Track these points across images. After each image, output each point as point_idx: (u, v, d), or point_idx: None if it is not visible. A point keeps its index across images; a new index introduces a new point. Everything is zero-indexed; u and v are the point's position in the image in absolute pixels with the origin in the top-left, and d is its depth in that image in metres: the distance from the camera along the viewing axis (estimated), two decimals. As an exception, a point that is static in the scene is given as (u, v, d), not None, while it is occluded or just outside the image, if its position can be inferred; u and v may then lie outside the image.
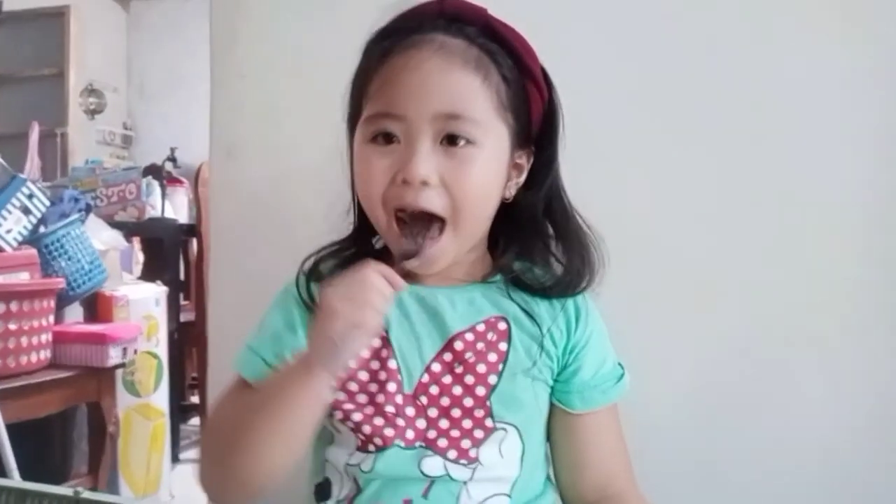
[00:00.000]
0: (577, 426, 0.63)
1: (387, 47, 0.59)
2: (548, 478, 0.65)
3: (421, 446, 0.58)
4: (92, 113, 4.33)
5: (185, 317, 2.52)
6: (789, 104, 0.81)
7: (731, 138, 0.82)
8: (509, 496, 0.59)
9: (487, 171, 0.59)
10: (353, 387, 0.60)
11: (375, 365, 0.60)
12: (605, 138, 0.84)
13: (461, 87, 0.57)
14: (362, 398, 0.60)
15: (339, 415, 0.60)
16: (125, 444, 1.94)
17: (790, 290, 0.82)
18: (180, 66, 4.27)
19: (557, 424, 0.63)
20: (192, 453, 2.50)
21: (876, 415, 0.80)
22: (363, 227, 0.66)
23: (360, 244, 0.66)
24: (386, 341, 0.60)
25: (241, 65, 0.97)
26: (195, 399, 2.70)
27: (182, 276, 2.70)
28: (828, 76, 0.81)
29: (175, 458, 2.31)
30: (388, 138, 0.58)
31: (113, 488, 1.89)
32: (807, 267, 0.81)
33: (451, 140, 0.57)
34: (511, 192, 0.63)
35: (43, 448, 1.88)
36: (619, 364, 0.65)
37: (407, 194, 0.57)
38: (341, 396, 0.60)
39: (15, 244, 1.66)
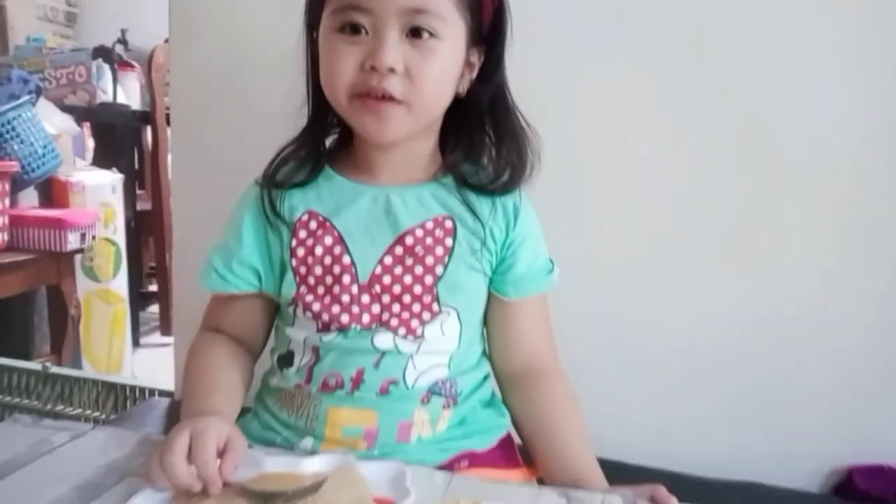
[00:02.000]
0: (510, 311, 0.71)
1: None
2: (483, 353, 0.74)
3: (375, 326, 0.66)
4: (32, -15, 4.05)
5: (140, 206, 2.52)
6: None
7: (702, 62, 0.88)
8: (448, 366, 0.68)
9: (447, 63, 0.64)
10: (311, 280, 0.67)
11: (328, 260, 0.66)
12: (559, 40, 0.89)
13: None
14: (321, 290, 0.66)
15: (300, 305, 0.67)
16: (86, 327, 1.99)
17: (717, 197, 0.90)
18: (128, -61, 3.97)
19: (493, 309, 0.72)
20: (151, 338, 2.58)
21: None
22: (317, 121, 0.70)
23: (313, 141, 0.70)
24: (339, 239, 0.66)
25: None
26: (153, 288, 2.74)
27: (136, 165, 2.66)
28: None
29: (136, 343, 2.38)
30: (356, 29, 0.62)
31: (76, 368, 1.96)
32: (709, 184, 0.90)
33: (415, 32, 0.62)
34: (464, 88, 0.68)
35: (4, 329, 1.92)
36: (550, 259, 0.73)
37: (372, 79, 0.61)
38: (302, 289, 0.67)
39: (-37, 125, 1.63)
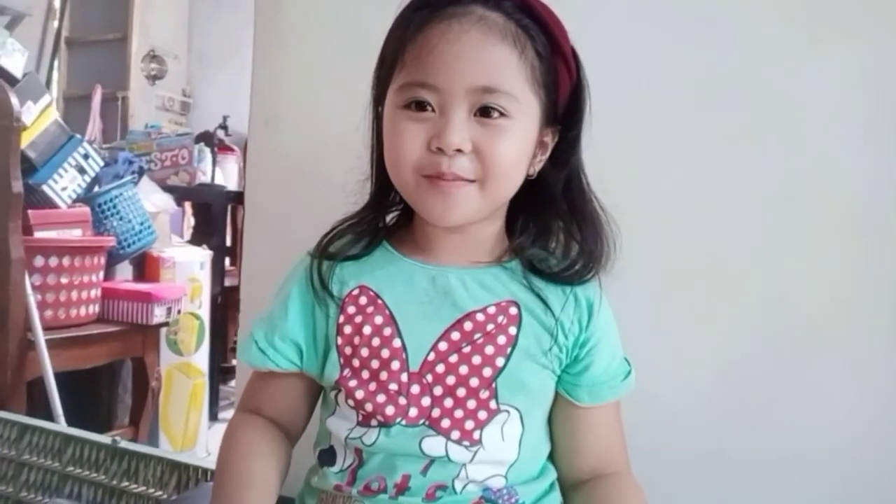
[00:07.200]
0: (582, 417, 0.63)
1: (425, 17, 0.58)
2: (548, 459, 0.65)
3: (424, 424, 0.59)
4: (153, 78, 4.46)
5: (230, 281, 2.58)
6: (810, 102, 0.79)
7: (760, 134, 0.80)
8: (505, 477, 0.60)
9: (518, 143, 0.59)
10: (356, 363, 0.61)
11: (377, 342, 0.61)
12: (633, 127, 0.82)
13: (498, 61, 0.57)
14: (365, 374, 0.61)
15: (342, 391, 0.61)
16: (166, 400, 2.02)
17: (814, 288, 0.80)
18: (239, 36, 4.33)
19: (561, 412, 0.64)
20: (229, 413, 2.59)
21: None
22: (380, 197, 0.66)
23: (373, 217, 0.66)
24: (390, 319, 0.61)
25: (283, 37, 0.99)
26: (236, 362, 2.78)
27: (229, 242, 2.77)
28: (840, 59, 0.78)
29: (213, 417, 2.40)
30: (421, 106, 0.58)
31: (153, 441, 1.98)
32: (830, 265, 0.79)
33: (484, 112, 0.58)
34: (535, 169, 0.63)
35: (90, 399, 1.97)
36: (626, 360, 0.65)
37: (441, 161, 0.57)
38: (346, 372, 0.61)
39: (69, 201, 1.74)
